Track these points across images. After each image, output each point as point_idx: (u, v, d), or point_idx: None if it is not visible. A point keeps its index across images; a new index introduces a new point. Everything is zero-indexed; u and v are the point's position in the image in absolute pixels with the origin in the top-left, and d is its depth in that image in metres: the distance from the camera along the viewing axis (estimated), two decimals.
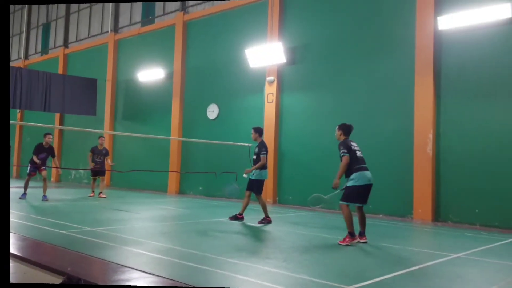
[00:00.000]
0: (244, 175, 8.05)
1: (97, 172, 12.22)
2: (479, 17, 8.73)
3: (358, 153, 6.10)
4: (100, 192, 12.20)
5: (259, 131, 8.06)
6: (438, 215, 9.24)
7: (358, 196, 5.98)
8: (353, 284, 3.90)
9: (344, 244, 5.83)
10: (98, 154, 12.20)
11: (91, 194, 12.31)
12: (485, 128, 8.81)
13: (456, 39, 9.27)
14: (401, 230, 8.04)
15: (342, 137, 6.24)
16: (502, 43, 8.71)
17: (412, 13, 9.82)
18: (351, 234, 5.86)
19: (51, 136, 10.94)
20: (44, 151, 10.71)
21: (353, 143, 6.16)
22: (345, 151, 5.99)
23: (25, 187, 10.90)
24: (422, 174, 9.31)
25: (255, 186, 7.87)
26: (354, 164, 5.97)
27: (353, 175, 5.95)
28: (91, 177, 12.54)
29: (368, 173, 6.04)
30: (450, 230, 8.08)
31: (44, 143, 10.71)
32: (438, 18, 9.21)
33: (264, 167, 7.89)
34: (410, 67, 9.76)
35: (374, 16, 10.64)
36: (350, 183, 5.98)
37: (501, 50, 8.72)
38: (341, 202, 6.02)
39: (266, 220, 7.85)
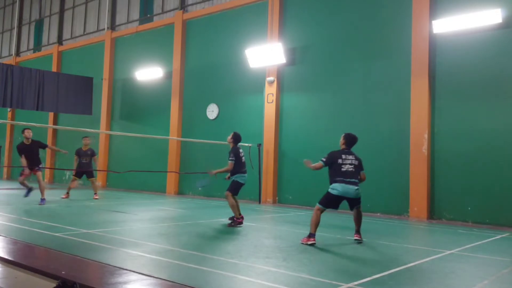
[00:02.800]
0: (210, 175, 8.43)
1: (83, 173, 12.28)
2: (472, 22, 9.72)
3: (346, 167, 6.39)
4: (95, 194, 12.35)
5: (235, 137, 8.31)
6: (433, 213, 10.20)
7: (329, 202, 6.41)
8: (352, 282, 4.13)
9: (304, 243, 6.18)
10: (84, 155, 12.18)
11: (64, 196, 12.12)
12: (477, 128, 9.77)
13: (450, 43, 10.25)
14: (398, 228, 8.71)
15: (343, 146, 6.67)
16: (493, 47, 9.69)
17: (408, 17, 10.78)
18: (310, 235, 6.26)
19: (30, 130, 10.35)
20: (28, 149, 10.17)
21: (348, 156, 6.48)
22: (324, 160, 6.52)
23: (25, 185, 10.45)
24: (418, 173, 10.26)
25: (232, 186, 8.04)
26: (336, 176, 6.37)
27: (333, 185, 6.37)
28: (73, 176, 12.54)
29: (348, 187, 6.29)
30: (444, 228, 8.82)
31: (24, 140, 10.26)
32: (433, 22, 10.17)
33: (239, 172, 8.02)
34: (407, 69, 10.72)
35: (372, 19, 11.59)
36: (329, 190, 6.41)
37: (492, 54, 9.70)
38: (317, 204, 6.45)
39: (236, 222, 7.88)
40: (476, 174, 9.71)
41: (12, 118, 22.75)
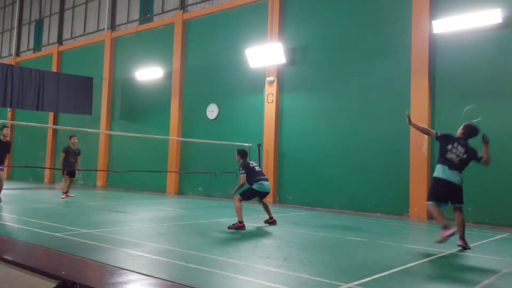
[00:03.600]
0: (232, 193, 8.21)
1: (72, 172, 12.29)
2: (472, 22, 9.72)
3: (451, 156, 6.31)
4: (66, 192, 12.30)
5: (240, 153, 8.23)
6: None
7: (435, 193, 6.30)
8: (352, 282, 4.14)
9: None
10: (72, 154, 12.21)
11: (63, 196, 12.15)
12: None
13: (450, 42, 10.25)
14: (398, 228, 8.73)
15: (461, 136, 6.59)
16: (493, 47, 9.69)
17: (409, 17, 10.79)
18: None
19: (8, 129, 10.45)
20: (1, 146, 10.10)
21: (459, 147, 6.37)
22: (439, 134, 6.49)
23: None
24: (418, 173, 10.25)
25: (245, 192, 7.88)
26: (441, 157, 6.34)
27: (437, 167, 6.32)
28: (63, 176, 12.44)
29: (451, 172, 6.22)
30: None
31: (1, 137, 10.19)
32: (433, 22, 10.17)
33: (254, 182, 7.84)
34: (407, 69, 10.72)
35: (372, 19, 11.59)
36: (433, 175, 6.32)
37: (492, 54, 9.70)
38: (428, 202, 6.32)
39: (237, 226, 7.53)
40: (476, 174, 9.67)
41: (12, 118, 22.72)
